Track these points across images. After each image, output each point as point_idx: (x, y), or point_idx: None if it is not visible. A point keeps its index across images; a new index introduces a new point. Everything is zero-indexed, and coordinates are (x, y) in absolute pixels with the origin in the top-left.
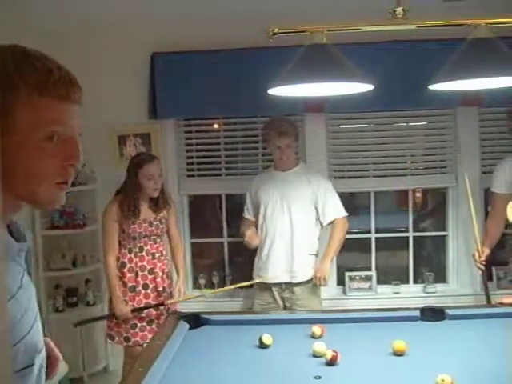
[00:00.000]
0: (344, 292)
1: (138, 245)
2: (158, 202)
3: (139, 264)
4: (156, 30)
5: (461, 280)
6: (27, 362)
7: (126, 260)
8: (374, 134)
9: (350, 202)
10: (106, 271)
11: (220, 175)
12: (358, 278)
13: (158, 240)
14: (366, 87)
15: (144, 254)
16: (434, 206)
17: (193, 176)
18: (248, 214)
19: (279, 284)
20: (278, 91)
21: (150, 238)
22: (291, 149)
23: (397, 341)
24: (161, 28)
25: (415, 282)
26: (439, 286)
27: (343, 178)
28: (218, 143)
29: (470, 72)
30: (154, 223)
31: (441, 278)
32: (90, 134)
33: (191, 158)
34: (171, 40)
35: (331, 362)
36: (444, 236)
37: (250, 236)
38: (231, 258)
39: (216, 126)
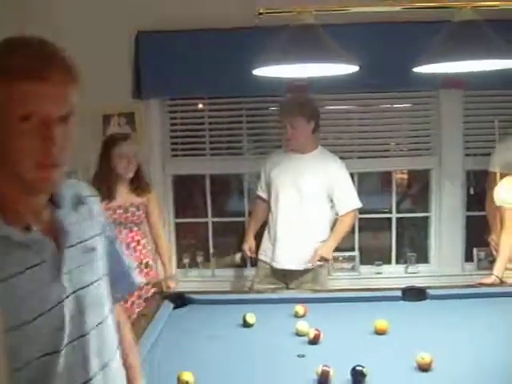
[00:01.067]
0: (327, 272)
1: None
2: (137, 187)
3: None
4: (141, 8)
5: (443, 261)
6: (41, 350)
7: None
8: (359, 116)
9: None
10: None
11: (204, 155)
12: (341, 258)
13: (135, 228)
14: (351, 68)
15: None
16: (417, 188)
17: (177, 156)
18: (262, 192)
19: (287, 270)
20: (263, 72)
21: (125, 225)
22: (299, 130)
23: (379, 320)
24: (146, 6)
25: (397, 262)
26: (421, 267)
27: None
28: (203, 123)
29: (455, 55)
30: (130, 209)
31: (423, 258)
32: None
33: (176, 137)
34: (156, 19)
35: (314, 341)
36: (426, 217)
37: (250, 248)
38: (215, 238)
39: (201, 105)
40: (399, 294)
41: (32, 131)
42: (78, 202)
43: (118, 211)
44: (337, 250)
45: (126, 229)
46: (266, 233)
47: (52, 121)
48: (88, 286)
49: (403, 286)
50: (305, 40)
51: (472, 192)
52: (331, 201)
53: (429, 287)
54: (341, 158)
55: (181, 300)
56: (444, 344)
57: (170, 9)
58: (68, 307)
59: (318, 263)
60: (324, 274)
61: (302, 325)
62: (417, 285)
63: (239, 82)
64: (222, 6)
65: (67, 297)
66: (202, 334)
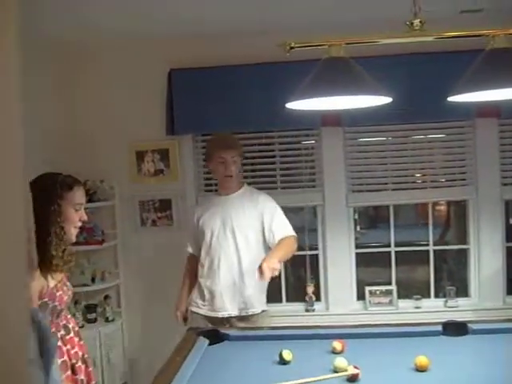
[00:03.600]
0: (364, 307)
1: (62, 323)
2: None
3: (72, 352)
4: (173, 46)
5: (483, 294)
6: None
7: None
8: (393, 147)
9: (369, 215)
10: None
11: None
12: (378, 292)
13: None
14: (383, 100)
15: (72, 334)
16: (455, 219)
17: (211, 191)
18: (191, 248)
19: (227, 318)
20: (296, 105)
21: (67, 308)
22: (236, 165)
23: (419, 356)
24: (177, 45)
25: (437, 296)
26: (461, 300)
27: (361, 191)
28: None
29: (489, 83)
30: (67, 283)
31: (463, 292)
32: (109, 150)
33: (209, 173)
34: (188, 56)
35: (353, 379)
36: (465, 249)
37: (182, 312)
38: None
39: None
40: (439, 328)
41: None
42: None
43: (64, 288)
44: (373, 283)
45: (69, 313)
46: (196, 289)
47: None
48: None
49: (443, 321)
50: (337, 72)
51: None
52: (264, 234)
53: (469, 321)
54: (375, 190)
55: (216, 336)
56: (488, 381)
57: (200, 46)
58: None
59: (268, 277)
60: (267, 316)
61: (340, 361)
62: (457, 319)
63: (271, 117)
64: (252, 42)
65: None
66: (237, 371)
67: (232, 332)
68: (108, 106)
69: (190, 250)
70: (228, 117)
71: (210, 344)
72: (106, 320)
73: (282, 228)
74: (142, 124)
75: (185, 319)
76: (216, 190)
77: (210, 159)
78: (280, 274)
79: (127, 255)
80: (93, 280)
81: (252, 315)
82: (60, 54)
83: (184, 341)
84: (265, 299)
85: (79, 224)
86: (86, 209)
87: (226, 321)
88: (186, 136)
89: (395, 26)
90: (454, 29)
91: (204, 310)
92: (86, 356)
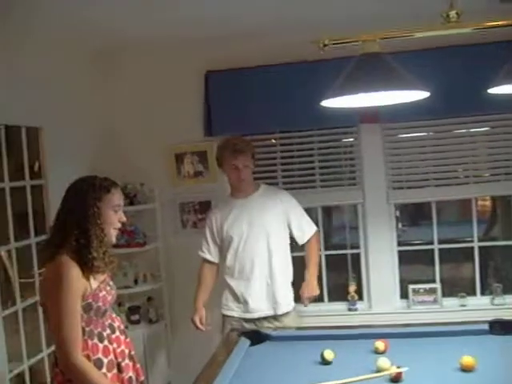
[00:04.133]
0: (408, 306)
1: (107, 323)
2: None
3: (118, 351)
4: (209, 48)
5: None
6: None
7: (100, 355)
8: (434, 142)
9: (411, 212)
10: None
11: None
12: (422, 290)
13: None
14: (421, 95)
15: (118, 333)
16: (500, 215)
17: None
18: (209, 255)
19: (259, 318)
20: (332, 103)
21: (111, 308)
22: (249, 169)
23: (465, 356)
24: (213, 46)
25: (483, 293)
26: (508, 298)
27: (402, 188)
28: (275, 158)
29: None
30: (110, 283)
31: (510, 289)
32: (148, 153)
33: None
34: (224, 57)
35: (396, 379)
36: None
37: (201, 318)
38: None
39: (273, 140)
40: (486, 327)
41: None
42: None
43: (107, 288)
44: (417, 282)
45: (114, 313)
46: (226, 287)
47: None
48: None
49: (490, 319)
50: (373, 68)
51: None
52: (291, 232)
53: None
54: (416, 187)
55: (257, 336)
56: None
57: (235, 47)
58: None
59: (309, 303)
60: (294, 314)
61: (382, 361)
62: (504, 317)
63: (308, 115)
64: (287, 41)
65: None
66: (278, 371)
67: (273, 332)
68: (146, 109)
69: (206, 256)
70: (265, 116)
71: (251, 344)
72: (150, 321)
73: (309, 226)
74: (180, 126)
75: (202, 327)
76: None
77: (221, 165)
78: (321, 274)
79: (169, 257)
80: (135, 282)
81: (283, 314)
82: (99, 58)
83: (226, 341)
84: (292, 298)
85: (118, 225)
86: (125, 212)
87: (259, 321)
88: (223, 137)
89: (430, 19)
90: (493, 19)
91: (238, 313)
92: (132, 353)
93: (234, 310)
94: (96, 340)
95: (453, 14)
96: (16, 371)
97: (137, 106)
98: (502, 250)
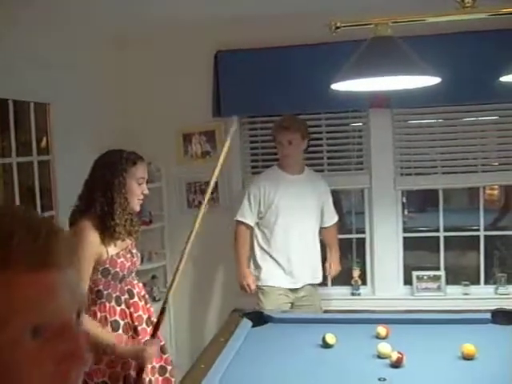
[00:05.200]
0: (411, 292)
1: (126, 288)
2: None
3: (135, 315)
4: (219, 28)
5: None
6: None
7: (117, 318)
8: (443, 130)
9: (417, 199)
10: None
11: None
12: (425, 277)
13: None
14: (432, 80)
15: (136, 299)
16: (507, 204)
17: (257, 173)
18: (250, 220)
19: (297, 288)
20: (342, 86)
21: (132, 274)
22: (292, 147)
23: (466, 344)
24: (224, 26)
25: (486, 282)
26: None
27: (410, 174)
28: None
29: None
30: (133, 251)
31: None
32: (156, 133)
33: (256, 155)
34: (235, 38)
35: (396, 364)
36: None
37: (253, 280)
38: None
39: None
40: (488, 316)
41: (41, 352)
42: None
43: (128, 255)
44: (421, 269)
45: (135, 280)
46: (267, 259)
47: (72, 327)
48: None
49: (493, 308)
50: (384, 52)
51: None
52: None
53: None
54: (424, 173)
55: (259, 318)
56: None
57: (247, 27)
58: None
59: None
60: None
61: (383, 347)
62: (507, 307)
63: (318, 98)
64: (299, 23)
65: None
66: (279, 353)
67: (275, 314)
68: (155, 89)
69: (247, 221)
70: (274, 98)
71: (253, 326)
72: (153, 300)
73: (333, 214)
74: (188, 106)
75: (254, 288)
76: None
77: (274, 139)
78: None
79: (174, 236)
80: (141, 260)
81: (316, 284)
82: (110, 37)
83: (228, 322)
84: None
85: (141, 197)
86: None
87: (297, 291)
88: (232, 117)
89: (444, 4)
90: (509, 4)
91: (283, 283)
92: (153, 319)
93: (279, 281)
94: (114, 303)
95: None
96: None
97: (146, 85)
98: (508, 239)
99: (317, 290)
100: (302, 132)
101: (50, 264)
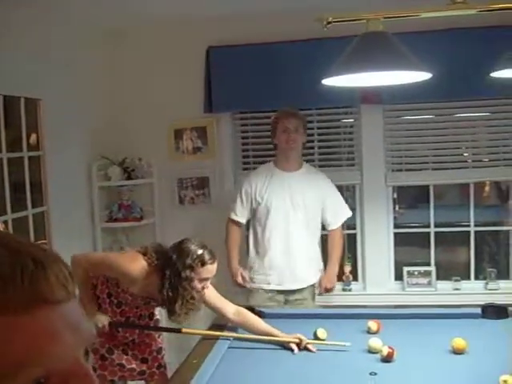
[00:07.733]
0: (402, 287)
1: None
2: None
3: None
4: (211, 24)
5: None
6: None
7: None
8: (434, 126)
9: (409, 195)
10: None
11: None
12: (416, 273)
13: None
14: (423, 76)
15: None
16: (498, 200)
17: (248, 169)
18: (242, 218)
19: (282, 291)
20: (333, 81)
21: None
22: (298, 137)
23: (457, 338)
24: (216, 22)
25: (477, 278)
26: (502, 283)
27: (401, 170)
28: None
29: None
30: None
31: (504, 274)
32: (147, 128)
33: (247, 151)
34: (226, 34)
35: (387, 359)
36: (507, 231)
37: (244, 277)
38: None
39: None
40: (478, 311)
41: None
42: None
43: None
44: (412, 264)
45: None
46: (257, 259)
47: (83, 369)
48: None
49: (483, 303)
50: (376, 47)
51: None
52: (323, 216)
53: (510, 305)
54: (415, 169)
55: (251, 313)
56: None
57: (238, 23)
58: None
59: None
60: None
61: (374, 341)
62: (497, 302)
63: (309, 94)
64: (290, 19)
65: None
66: (270, 348)
67: (267, 310)
68: (146, 84)
69: (239, 218)
70: (266, 94)
71: None
72: None
73: (344, 211)
74: (180, 102)
75: (247, 283)
76: (264, 163)
77: (274, 131)
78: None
79: (165, 232)
80: None
81: (303, 288)
82: (101, 33)
83: (219, 318)
84: (314, 275)
85: (201, 292)
86: (122, 186)
87: (289, 294)
88: (224, 113)
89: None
90: (498, 0)
91: (272, 285)
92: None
93: (263, 281)
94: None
95: None
96: None
97: (137, 81)
98: (498, 235)
99: (313, 294)
100: (305, 123)
101: (40, 300)
